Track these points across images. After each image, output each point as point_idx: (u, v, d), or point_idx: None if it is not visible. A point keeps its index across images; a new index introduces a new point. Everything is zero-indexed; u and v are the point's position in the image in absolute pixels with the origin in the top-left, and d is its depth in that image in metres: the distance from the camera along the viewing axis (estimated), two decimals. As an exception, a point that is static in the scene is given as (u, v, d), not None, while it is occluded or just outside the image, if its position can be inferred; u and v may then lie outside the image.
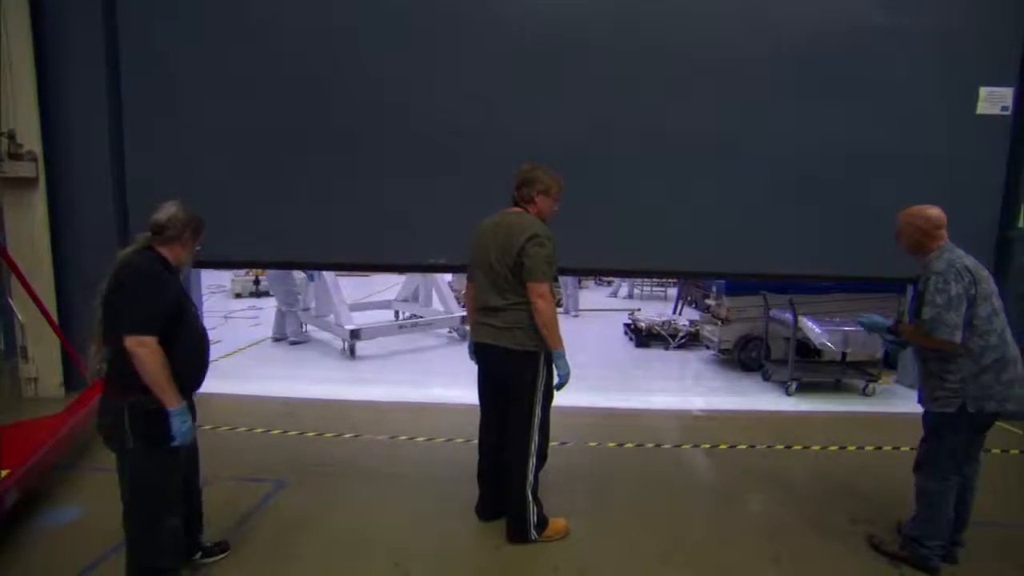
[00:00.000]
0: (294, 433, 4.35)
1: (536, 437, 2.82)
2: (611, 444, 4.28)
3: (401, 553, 2.82)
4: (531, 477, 2.84)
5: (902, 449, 4.25)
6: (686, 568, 2.78)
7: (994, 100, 4.64)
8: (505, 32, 4.68)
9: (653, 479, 3.74)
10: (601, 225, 4.71)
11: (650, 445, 4.29)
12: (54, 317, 4.54)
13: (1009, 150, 4.71)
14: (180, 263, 2.29)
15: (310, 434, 4.34)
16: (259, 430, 4.38)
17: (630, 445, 4.28)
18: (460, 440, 4.15)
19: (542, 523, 2.91)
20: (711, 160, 4.75)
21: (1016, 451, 4.31)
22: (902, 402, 5.31)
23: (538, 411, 2.81)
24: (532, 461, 2.82)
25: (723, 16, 4.65)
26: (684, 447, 4.28)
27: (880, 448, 4.36)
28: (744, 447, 4.31)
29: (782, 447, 4.33)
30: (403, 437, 4.32)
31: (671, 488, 3.62)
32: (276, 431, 4.37)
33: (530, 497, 2.84)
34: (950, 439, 2.64)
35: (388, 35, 4.68)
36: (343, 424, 4.50)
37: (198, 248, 2.38)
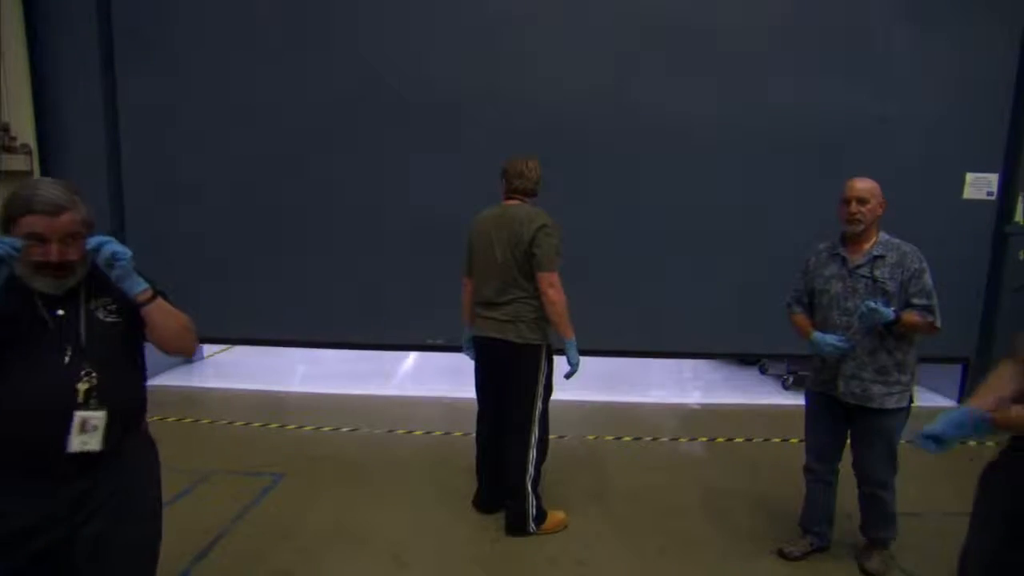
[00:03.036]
0: (292, 427, 4.35)
1: (536, 430, 2.83)
2: (608, 437, 4.30)
3: (400, 546, 2.83)
4: (531, 470, 2.85)
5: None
6: (684, 561, 2.79)
7: (979, 185, 4.83)
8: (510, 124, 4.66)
9: (651, 472, 3.75)
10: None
11: (648, 439, 4.31)
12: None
13: (993, 233, 4.91)
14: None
15: (308, 428, 4.34)
16: (256, 424, 4.39)
17: (628, 438, 4.30)
18: (459, 433, 4.16)
19: (541, 516, 2.92)
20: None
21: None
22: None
23: (539, 404, 2.82)
24: (532, 454, 2.83)
25: (726, 115, 4.74)
26: (681, 440, 4.30)
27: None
28: (741, 440, 4.33)
29: (779, 440, 4.35)
30: (401, 431, 4.33)
31: (669, 481, 3.63)
32: (274, 425, 4.37)
33: (530, 490, 2.85)
34: (896, 437, 2.59)
35: (384, 116, 4.73)
36: (341, 418, 4.51)
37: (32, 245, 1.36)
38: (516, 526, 2.89)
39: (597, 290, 4.50)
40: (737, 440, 4.33)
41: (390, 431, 4.32)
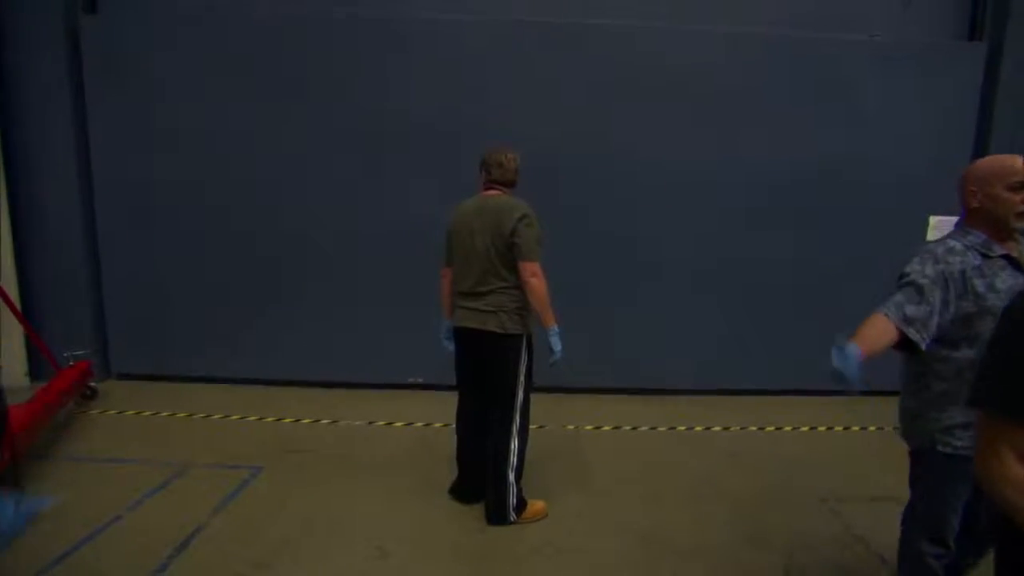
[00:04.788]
0: (271, 419, 4.32)
1: (518, 420, 2.85)
2: (588, 427, 4.34)
3: (381, 536, 2.84)
4: (513, 460, 2.87)
5: (869, 429, 4.49)
6: (664, 547, 2.84)
7: (942, 228, 5.03)
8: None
9: (631, 461, 3.80)
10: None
11: (627, 428, 4.36)
12: (18, 306, 4.42)
13: None
14: None
15: (287, 420, 4.31)
16: (235, 417, 4.34)
17: (606, 428, 4.35)
18: (439, 424, 4.17)
19: (521, 505, 2.94)
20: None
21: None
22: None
23: (520, 394, 2.84)
24: (514, 444, 2.85)
25: (702, 168, 4.95)
26: (660, 429, 4.36)
27: (848, 428, 4.50)
28: (719, 429, 4.41)
29: (755, 428, 4.44)
30: (381, 422, 4.32)
31: (648, 470, 3.68)
32: (252, 417, 4.34)
33: (511, 479, 2.88)
34: None
35: (356, 163, 4.83)
36: (321, 410, 4.48)
37: None
38: (497, 515, 2.91)
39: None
40: (715, 428, 4.40)
41: (370, 422, 4.31)
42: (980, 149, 5.16)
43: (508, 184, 2.87)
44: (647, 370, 5.09)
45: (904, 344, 1.83)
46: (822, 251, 5.11)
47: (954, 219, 5.20)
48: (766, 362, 5.18)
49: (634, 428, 4.36)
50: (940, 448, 1.91)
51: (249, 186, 4.84)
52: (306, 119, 4.76)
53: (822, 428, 4.50)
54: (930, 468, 1.98)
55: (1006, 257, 1.83)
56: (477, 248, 2.75)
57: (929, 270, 1.81)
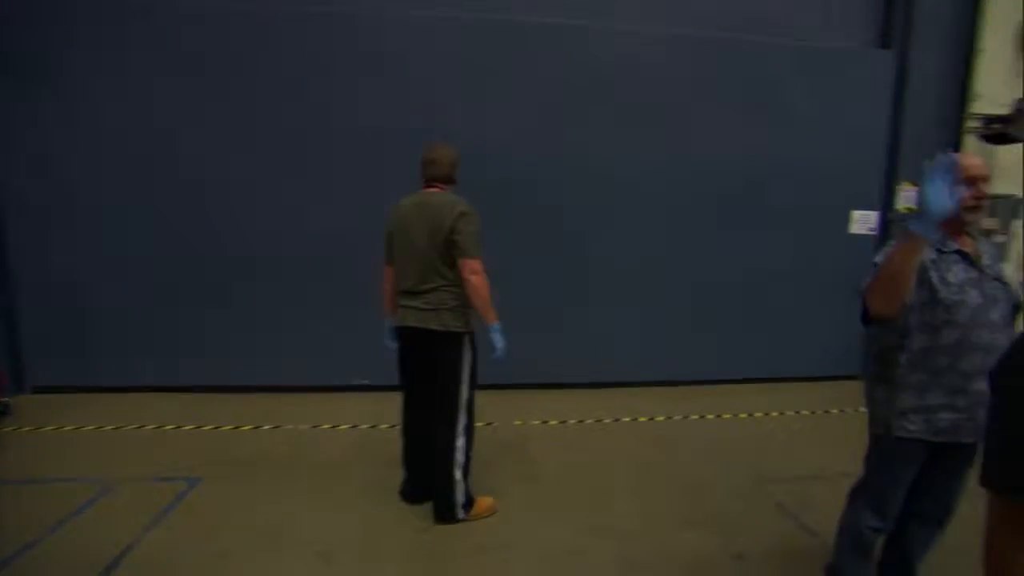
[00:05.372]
0: (209, 428, 4.14)
1: (463, 418, 2.84)
2: (535, 422, 4.39)
3: (326, 542, 2.77)
4: (459, 457, 2.86)
5: (802, 412, 4.76)
6: (611, 537, 2.90)
7: (863, 221, 5.57)
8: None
9: (577, 453, 3.86)
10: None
11: (572, 421, 4.43)
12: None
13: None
14: None
15: (226, 428, 4.15)
16: (170, 427, 4.14)
17: (553, 422, 4.40)
18: (385, 426, 4.11)
19: (469, 503, 2.94)
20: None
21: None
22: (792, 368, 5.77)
23: (464, 392, 2.83)
24: (459, 441, 2.84)
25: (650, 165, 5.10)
26: (606, 421, 4.45)
27: (782, 413, 4.74)
28: (662, 418, 4.54)
29: (697, 417, 4.60)
30: (326, 425, 4.22)
31: (595, 461, 3.75)
32: (188, 427, 4.14)
33: (458, 477, 2.87)
34: None
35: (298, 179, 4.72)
36: (262, 415, 4.33)
37: None
38: (444, 514, 2.90)
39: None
40: (658, 418, 4.54)
41: (314, 427, 4.20)
42: (893, 149, 5.56)
43: (444, 180, 2.85)
44: (594, 364, 5.19)
45: (876, 319, 1.92)
46: (752, 247, 5.35)
47: (874, 213, 5.65)
48: (705, 353, 5.38)
49: (580, 421, 4.43)
50: (895, 432, 2.03)
51: (177, 186, 4.62)
52: (235, 117, 4.58)
53: (758, 414, 4.71)
54: (884, 450, 2.11)
55: (959, 252, 1.97)
56: (417, 246, 2.73)
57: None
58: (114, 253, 4.64)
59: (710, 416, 4.64)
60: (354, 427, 4.21)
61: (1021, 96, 5.59)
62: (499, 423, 4.28)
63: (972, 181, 1.91)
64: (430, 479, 2.94)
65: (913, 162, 5.56)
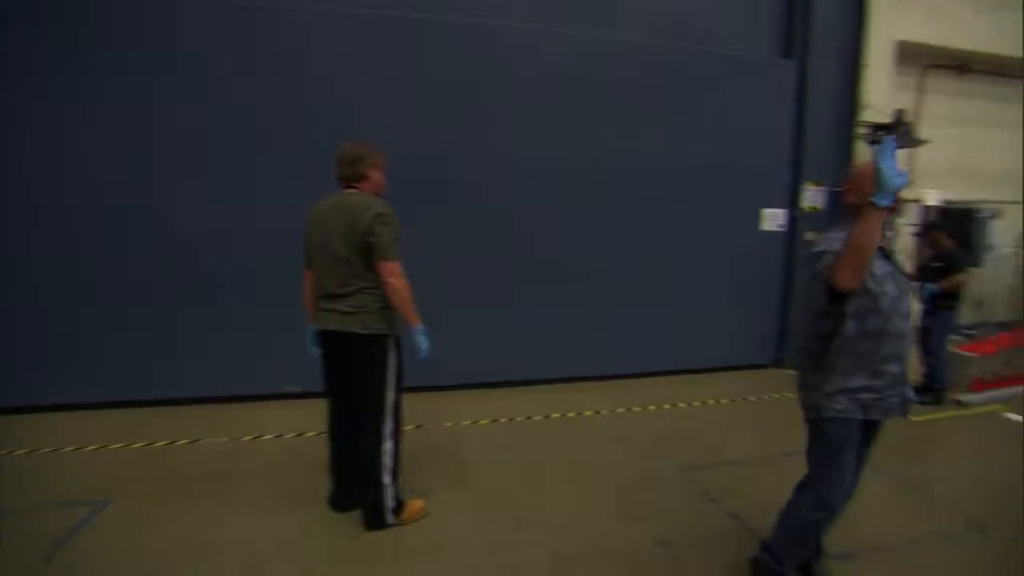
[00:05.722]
0: (118, 446, 3.83)
1: (390, 421, 2.79)
2: (465, 422, 4.38)
3: (254, 556, 2.65)
4: (387, 462, 2.80)
5: (722, 401, 4.98)
6: (542, 533, 2.93)
7: (773, 219, 6.00)
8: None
9: (509, 452, 3.89)
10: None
11: (503, 419, 4.46)
12: None
13: (784, 257, 6.11)
14: None
15: (138, 445, 3.86)
16: (69, 449, 3.81)
17: (484, 421, 4.41)
18: (311, 433, 3.98)
19: (399, 507, 2.90)
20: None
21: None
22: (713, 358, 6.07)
23: (390, 395, 2.77)
24: (387, 445, 2.79)
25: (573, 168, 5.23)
26: (537, 418, 4.50)
27: (704, 403, 4.97)
28: (590, 413, 4.65)
29: (623, 410, 4.74)
30: (248, 437, 4.03)
31: (526, 458, 3.79)
32: (91, 447, 3.82)
33: (386, 482, 2.81)
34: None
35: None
36: (181, 429, 4.07)
37: None
38: (374, 520, 2.84)
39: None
40: (587, 413, 4.64)
41: (236, 439, 4.00)
42: (798, 151, 5.96)
43: (355, 180, 2.76)
44: (524, 363, 5.24)
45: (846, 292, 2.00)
46: (674, 244, 5.59)
47: (782, 211, 6.01)
48: (632, 348, 5.55)
49: (511, 420, 4.46)
50: (825, 413, 2.17)
51: (92, 186, 4.24)
52: (129, 117, 4.26)
53: (682, 404, 4.92)
54: (820, 434, 2.23)
55: (880, 248, 2.12)
56: (335, 248, 2.66)
57: (836, 245, 2.04)
58: (14, 260, 4.21)
59: (637, 409, 4.79)
60: (279, 436, 4.05)
61: (900, 108, 6.17)
62: (429, 425, 4.24)
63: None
64: (358, 485, 2.86)
65: (814, 164, 6.00)
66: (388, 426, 2.78)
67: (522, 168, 5.04)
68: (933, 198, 7.07)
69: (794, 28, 5.96)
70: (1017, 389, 5.55)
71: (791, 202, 6.03)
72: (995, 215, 7.26)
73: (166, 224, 4.41)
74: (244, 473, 3.49)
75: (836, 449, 2.21)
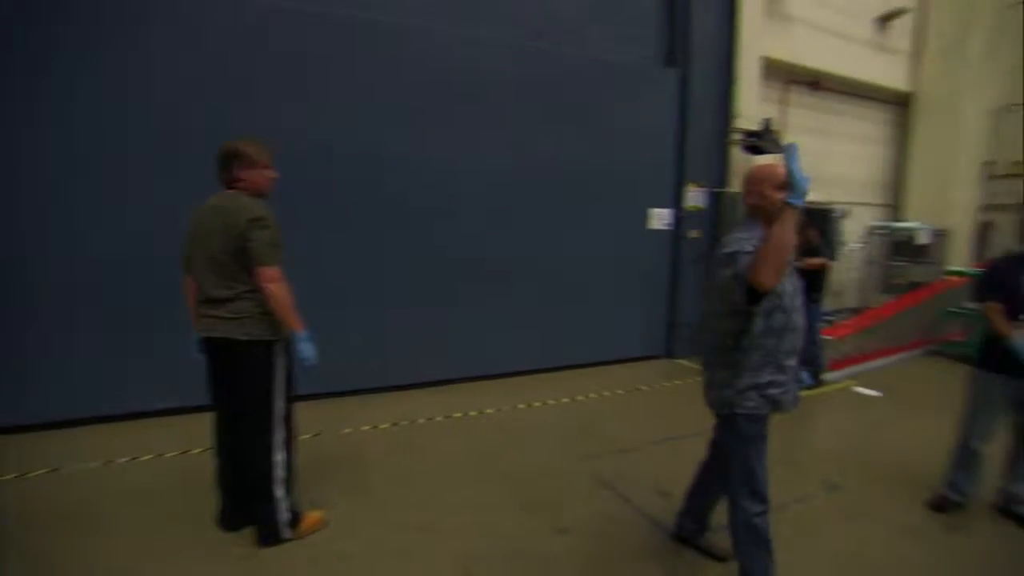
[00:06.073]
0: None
1: (280, 430, 2.65)
2: (365, 427, 4.28)
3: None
4: (280, 473, 2.67)
5: (617, 392, 5.22)
6: (446, 533, 2.93)
7: (660, 218, 6.40)
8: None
9: (411, 455, 3.85)
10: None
11: (404, 422, 4.41)
12: None
13: (670, 254, 6.53)
14: None
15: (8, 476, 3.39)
16: None
17: (384, 426, 4.34)
18: (197, 450, 3.71)
19: (295, 519, 2.78)
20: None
21: (673, 382, 5.55)
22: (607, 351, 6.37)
23: (279, 403, 2.64)
24: (278, 456, 2.66)
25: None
26: (438, 419, 4.49)
27: (600, 394, 5.20)
28: (491, 411, 4.71)
29: (523, 406, 4.85)
30: (122, 459, 3.67)
31: (428, 460, 3.77)
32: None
33: (279, 495, 2.68)
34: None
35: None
36: (40, 457, 3.63)
37: None
38: (268, 536, 2.71)
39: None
40: (488, 411, 4.70)
41: (106, 463, 3.63)
42: (681, 154, 6.36)
43: (233, 182, 2.58)
44: (425, 364, 5.20)
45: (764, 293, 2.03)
46: (568, 243, 5.78)
47: (665, 210, 6.43)
48: (531, 345, 5.69)
49: (413, 422, 4.42)
50: (738, 410, 2.23)
51: None
52: (17, 117, 3.76)
53: (580, 397, 5.11)
54: (735, 430, 2.29)
55: None
56: (213, 252, 2.50)
57: (748, 247, 2.08)
58: None
59: (537, 404, 4.92)
60: (159, 456, 3.72)
61: (767, 117, 6.80)
62: (326, 433, 4.10)
63: (783, 185, 2.14)
64: (249, 500, 2.71)
65: (696, 166, 6.45)
66: (279, 436, 2.65)
67: (416, 168, 4.98)
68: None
69: (676, 40, 6.37)
70: (865, 365, 6.33)
71: (676, 202, 6.45)
72: (845, 214, 8.20)
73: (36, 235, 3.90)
74: (120, 499, 3.17)
75: (753, 443, 2.28)
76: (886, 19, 9.11)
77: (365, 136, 4.74)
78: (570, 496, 3.34)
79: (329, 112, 4.59)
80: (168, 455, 3.74)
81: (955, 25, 9.40)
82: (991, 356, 3.14)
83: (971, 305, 3.57)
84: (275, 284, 2.49)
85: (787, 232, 1.92)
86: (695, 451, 3.97)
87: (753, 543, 2.32)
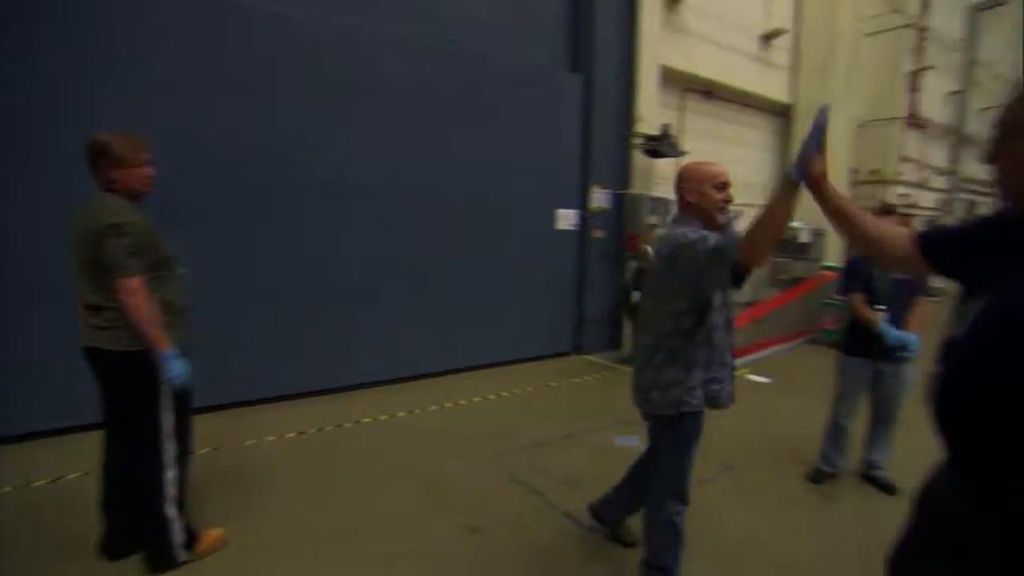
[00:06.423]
0: None
1: (169, 446, 2.47)
2: (270, 438, 4.09)
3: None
4: (170, 491, 2.49)
5: (527, 389, 5.31)
6: (359, 539, 2.87)
7: (566, 218, 6.61)
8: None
9: (319, 463, 3.72)
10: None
11: (312, 430, 4.26)
12: None
13: (576, 254, 6.74)
14: None
15: None
16: None
17: (291, 435, 4.17)
18: (75, 475, 3.38)
19: (192, 539, 2.61)
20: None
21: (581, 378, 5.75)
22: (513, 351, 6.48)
23: (166, 417, 2.45)
24: (167, 474, 2.47)
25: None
26: (345, 425, 4.38)
27: (512, 392, 5.28)
28: (403, 414, 4.65)
29: (435, 407, 4.83)
30: (6, 487, 3.27)
31: (338, 468, 3.66)
32: None
33: (171, 514, 2.50)
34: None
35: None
36: None
37: None
38: (160, 560, 2.52)
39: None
40: (400, 414, 4.64)
41: (-28, 492, 3.22)
42: (586, 156, 6.60)
43: (107, 183, 2.35)
44: (330, 370, 5.04)
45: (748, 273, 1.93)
46: (478, 243, 5.82)
47: (571, 211, 6.64)
48: (441, 346, 5.67)
49: (320, 430, 4.27)
50: (684, 409, 2.20)
51: None
52: None
53: (491, 396, 5.16)
54: (675, 430, 2.25)
55: None
56: (83, 258, 2.31)
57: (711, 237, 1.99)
58: None
59: (449, 405, 4.91)
60: (27, 485, 3.35)
61: (666, 123, 7.19)
62: (227, 446, 3.87)
63: (723, 186, 2.19)
64: (139, 523, 2.51)
65: (599, 169, 6.70)
66: (168, 452, 2.46)
67: (317, 168, 4.81)
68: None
69: (580, 47, 6.59)
70: (757, 355, 6.86)
71: (581, 203, 6.67)
72: (739, 216, 8.82)
73: None
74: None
75: (691, 442, 2.28)
76: (768, 37, 9.92)
77: (266, 136, 4.53)
78: (482, 494, 3.37)
79: (220, 111, 4.34)
80: (37, 483, 3.38)
81: (823, 49, 10.41)
82: (854, 342, 3.51)
83: (838, 297, 3.96)
84: (132, 296, 2.27)
85: (790, 208, 1.74)
86: (602, 443, 4.16)
87: (669, 538, 2.35)
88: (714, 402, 2.25)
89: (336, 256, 4.97)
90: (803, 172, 1.62)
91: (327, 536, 2.89)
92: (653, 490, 2.38)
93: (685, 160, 8.07)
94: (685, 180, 2.23)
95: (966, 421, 1.18)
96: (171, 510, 2.50)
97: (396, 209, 5.26)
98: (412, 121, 5.27)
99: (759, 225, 1.78)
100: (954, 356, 1.21)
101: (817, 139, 1.61)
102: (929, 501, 1.36)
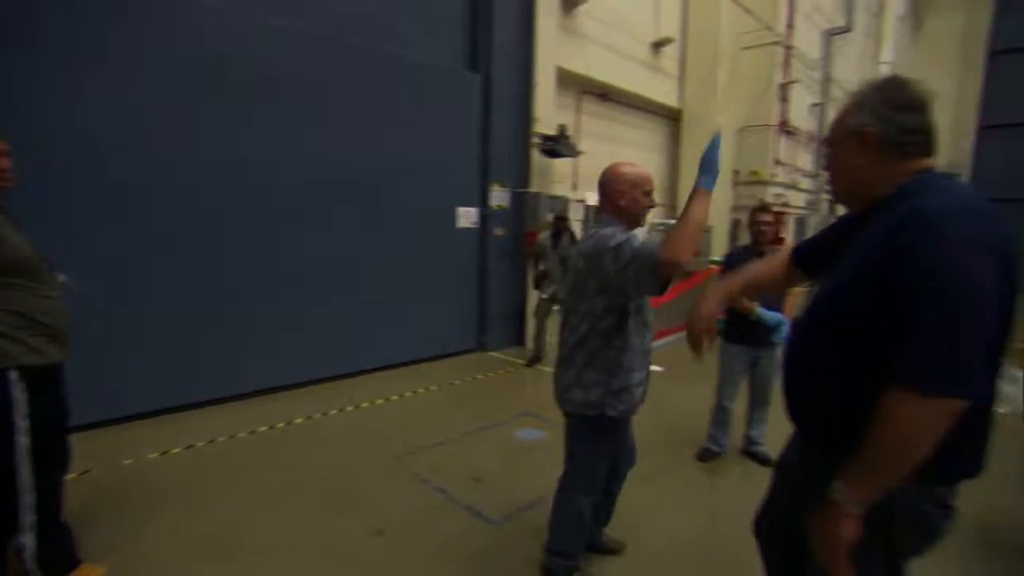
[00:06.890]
0: None
1: (26, 471, 2.20)
2: (153, 455, 3.77)
3: None
4: (28, 520, 2.22)
5: (432, 388, 5.26)
6: (256, 555, 2.73)
7: (467, 216, 6.64)
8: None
9: (210, 476, 3.48)
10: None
11: (201, 443, 3.97)
12: None
13: (478, 252, 6.80)
14: None
15: None
16: None
17: (177, 450, 3.87)
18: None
19: (58, 572, 2.34)
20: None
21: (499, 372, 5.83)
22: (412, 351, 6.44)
23: (22, 439, 2.18)
24: (26, 499, 2.20)
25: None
26: (239, 436, 4.13)
27: (416, 392, 5.22)
28: (300, 420, 4.46)
29: (336, 411, 4.68)
30: None
31: (230, 481, 3.44)
32: None
33: (32, 546, 2.23)
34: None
35: None
36: None
37: None
38: (14, 593, 2.25)
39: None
40: (297, 420, 4.44)
41: None
42: (485, 156, 6.67)
43: None
44: (224, 377, 4.74)
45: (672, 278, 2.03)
46: (378, 243, 5.71)
47: (472, 209, 6.69)
48: (342, 348, 5.51)
49: (211, 441, 3.99)
50: (609, 412, 2.20)
51: None
52: None
53: (395, 396, 5.07)
54: (596, 430, 2.26)
55: None
56: None
57: (635, 239, 2.05)
58: None
59: (350, 408, 4.77)
60: None
61: (562, 123, 7.41)
62: (101, 467, 3.51)
63: (649, 191, 2.25)
64: (-7, 560, 2.22)
65: (498, 168, 6.79)
66: (25, 477, 2.19)
67: (210, 168, 4.50)
68: (592, 199, 8.70)
69: (479, 46, 6.64)
70: (654, 343, 7.24)
71: (482, 201, 6.72)
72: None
73: None
74: None
75: (610, 443, 2.31)
76: (658, 45, 10.51)
77: (153, 133, 4.16)
78: (385, 496, 3.31)
79: (104, 108, 3.94)
80: None
81: (707, 59, 11.22)
82: (733, 330, 3.81)
83: (719, 289, 4.28)
84: None
85: (706, 211, 1.94)
86: (506, 438, 4.22)
87: (575, 529, 2.41)
88: (633, 408, 2.27)
89: (233, 257, 4.67)
90: (712, 182, 1.95)
91: (218, 555, 2.71)
92: (564, 484, 2.41)
93: (581, 159, 8.36)
94: (615, 183, 2.23)
95: (793, 390, 1.47)
96: (28, 539, 2.23)
97: (294, 210, 5.02)
98: (309, 120, 5.05)
99: (688, 232, 1.92)
100: (791, 336, 1.49)
101: (714, 154, 1.94)
102: (782, 464, 1.67)
